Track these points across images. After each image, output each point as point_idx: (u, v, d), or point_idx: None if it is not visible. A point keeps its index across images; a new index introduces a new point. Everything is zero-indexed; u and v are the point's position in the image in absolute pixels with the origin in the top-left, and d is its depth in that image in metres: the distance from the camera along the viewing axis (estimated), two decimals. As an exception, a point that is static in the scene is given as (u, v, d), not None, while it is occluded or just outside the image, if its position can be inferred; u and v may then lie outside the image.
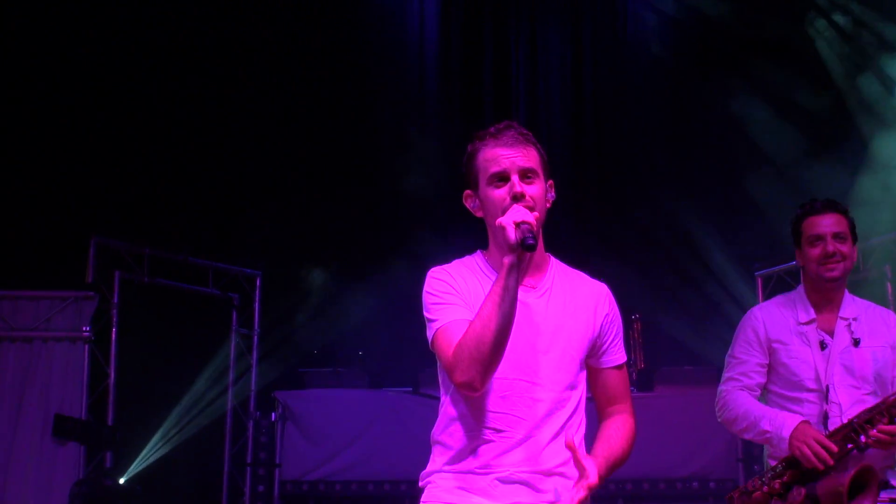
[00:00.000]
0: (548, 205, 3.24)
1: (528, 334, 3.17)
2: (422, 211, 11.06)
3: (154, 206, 10.03)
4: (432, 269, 3.29)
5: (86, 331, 9.07)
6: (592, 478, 3.01)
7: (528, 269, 3.23)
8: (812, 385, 4.50)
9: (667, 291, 10.67)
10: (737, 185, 10.49)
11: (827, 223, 4.52)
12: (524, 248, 2.97)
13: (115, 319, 9.41)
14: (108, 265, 9.46)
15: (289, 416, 9.90)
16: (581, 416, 3.26)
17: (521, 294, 3.11)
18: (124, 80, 9.97)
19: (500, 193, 3.16)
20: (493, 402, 3.15)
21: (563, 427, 3.17)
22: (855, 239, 4.59)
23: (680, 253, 10.71)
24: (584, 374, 3.29)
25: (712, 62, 11.04)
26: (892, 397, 4.27)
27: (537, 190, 3.17)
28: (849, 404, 4.43)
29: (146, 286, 9.79)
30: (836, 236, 4.51)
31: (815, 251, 4.52)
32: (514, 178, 3.15)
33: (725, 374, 4.76)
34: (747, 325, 4.71)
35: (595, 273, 3.43)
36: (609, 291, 3.36)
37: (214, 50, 10.52)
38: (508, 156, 3.17)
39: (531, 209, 3.10)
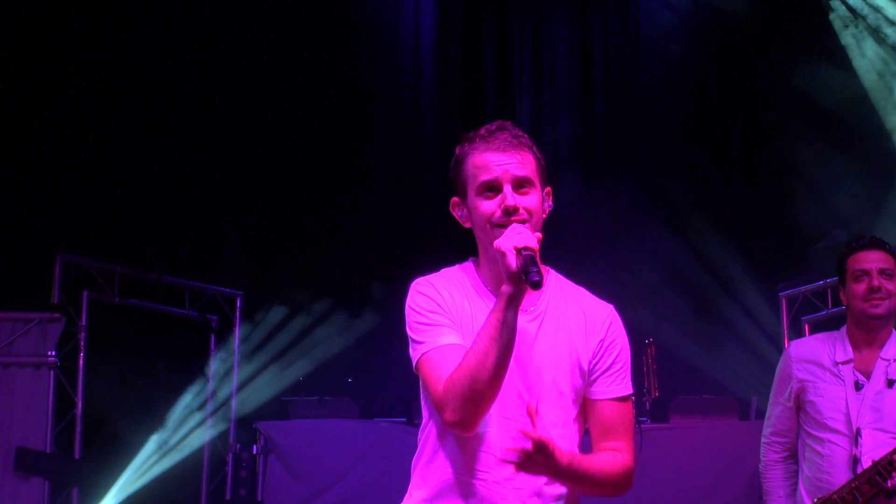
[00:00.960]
0: (544, 215, 3.14)
1: (516, 364, 3.06)
2: (415, 228, 11.02)
3: (126, 221, 9.94)
4: (417, 281, 3.22)
5: (51, 356, 9.00)
6: (546, 441, 2.85)
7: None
8: (838, 426, 4.73)
9: (683, 313, 10.62)
10: (760, 196, 10.45)
11: (873, 258, 4.80)
12: (530, 285, 2.84)
13: (83, 343, 9.34)
14: (75, 284, 9.41)
15: (272, 448, 9.82)
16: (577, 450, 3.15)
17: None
18: (93, 85, 9.90)
19: (491, 206, 3.06)
20: (480, 440, 3.07)
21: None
22: None
23: (697, 271, 10.66)
24: (579, 410, 3.18)
25: (732, 60, 11.03)
26: None
27: (532, 202, 3.07)
28: (871, 447, 4.61)
29: (117, 307, 9.72)
30: (882, 272, 4.76)
31: (861, 287, 4.78)
32: (506, 189, 3.05)
33: (765, 426, 5.11)
34: (780, 362, 5.05)
35: (604, 294, 3.35)
36: (613, 314, 3.24)
37: (191, 55, 10.46)
38: (500, 163, 3.06)
39: (525, 222, 3.01)
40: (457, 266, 3.30)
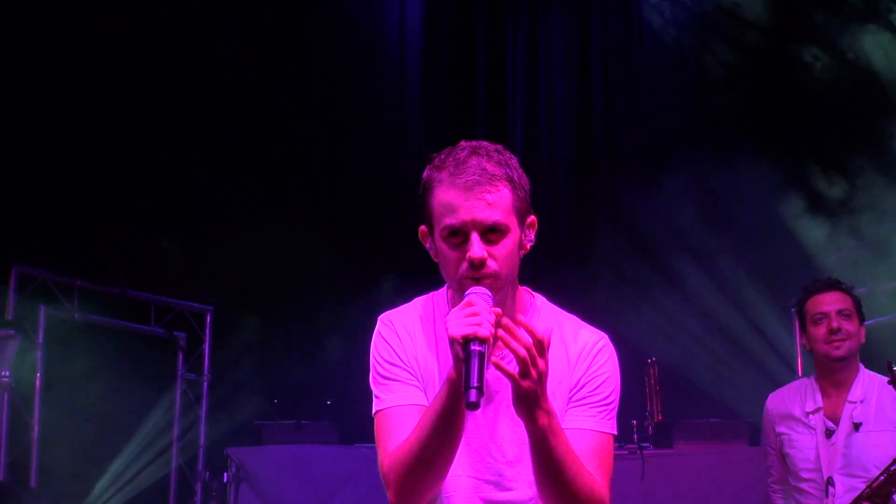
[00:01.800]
0: (524, 251, 2.98)
1: (482, 417, 2.98)
2: (396, 244, 10.98)
3: (86, 230, 9.91)
4: (381, 318, 3.12)
5: (5, 376, 8.90)
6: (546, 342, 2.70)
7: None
8: (810, 475, 5.12)
9: (688, 331, 10.59)
10: (771, 207, 10.43)
11: (830, 300, 5.13)
12: (466, 405, 2.65)
13: (39, 363, 9.31)
14: (31, 298, 9.36)
15: (244, 476, 9.77)
16: None
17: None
18: (52, 91, 9.90)
19: (455, 255, 2.88)
20: (448, 501, 3.01)
21: None
22: (862, 318, 5.16)
23: (703, 287, 10.65)
24: None
25: (741, 59, 11.03)
26: (875, 482, 4.68)
27: (504, 250, 2.88)
28: (843, 492, 4.94)
29: (77, 323, 9.68)
30: (841, 313, 5.08)
31: (820, 330, 5.11)
32: (473, 238, 2.86)
33: (766, 475, 5.49)
34: (763, 421, 5.46)
35: (603, 312, 3.27)
36: (605, 344, 3.07)
37: (158, 60, 10.51)
38: (468, 207, 2.86)
39: (491, 277, 2.85)
40: (429, 295, 3.17)
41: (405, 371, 3.02)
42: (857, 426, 5.03)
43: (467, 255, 2.86)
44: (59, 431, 9.35)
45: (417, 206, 3.03)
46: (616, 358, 3.09)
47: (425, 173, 2.98)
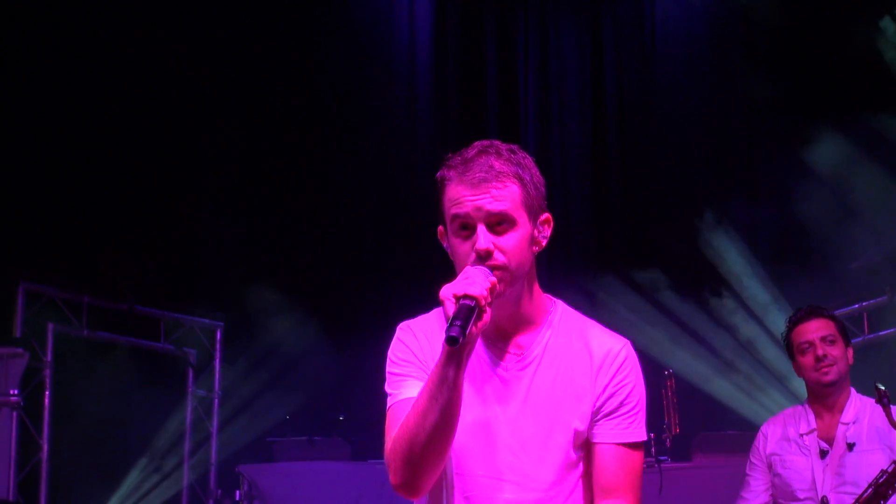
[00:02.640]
0: (536, 248, 2.98)
1: (502, 418, 2.97)
2: (411, 253, 10.98)
3: (94, 247, 9.91)
4: (401, 325, 3.13)
5: (13, 395, 8.94)
6: None
7: (517, 328, 3.02)
8: (805, 495, 5.29)
9: (705, 342, 10.54)
10: (790, 211, 10.38)
11: (813, 328, 5.34)
12: (446, 340, 2.69)
13: (48, 381, 9.31)
14: (39, 316, 9.37)
15: (256, 494, 9.77)
16: None
17: (501, 364, 2.99)
18: (57, 104, 9.92)
19: (465, 248, 2.91)
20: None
21: None
22: (847, 341, 5.37)
23: (720, 296, 10.57)
24: (580, 467, 3.02)
25: (757, 62, 10.99)
26: (864, 494, 4.94)
27: (512, 241, 2.89)
28: None
29: (85, 341, 9.67)
30: (825, 339, 5.29)
31: (808, 359, 5.32)
32: (479, 229, 2.88)
33: (741, 495, 5.68)
34: (755, 441, 5.62)
35: (618, 322, 3.21)
36: (627, 350, 3.06)
37: (163, 71, 10.53)
38: (473, 200, 2.89)
39: (499, 268, 2.87)
40: None
41: (419, 369, 3.02)
42: (850, 446, 5.21)
43: (475, 246, 2.89)
44: (68, 450, 9.37)
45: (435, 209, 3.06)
46: (639, 363, 3.09)
47: (438, 174, 3.01)
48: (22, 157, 9.63)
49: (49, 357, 9.34)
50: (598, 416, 3.00)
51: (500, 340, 3.01)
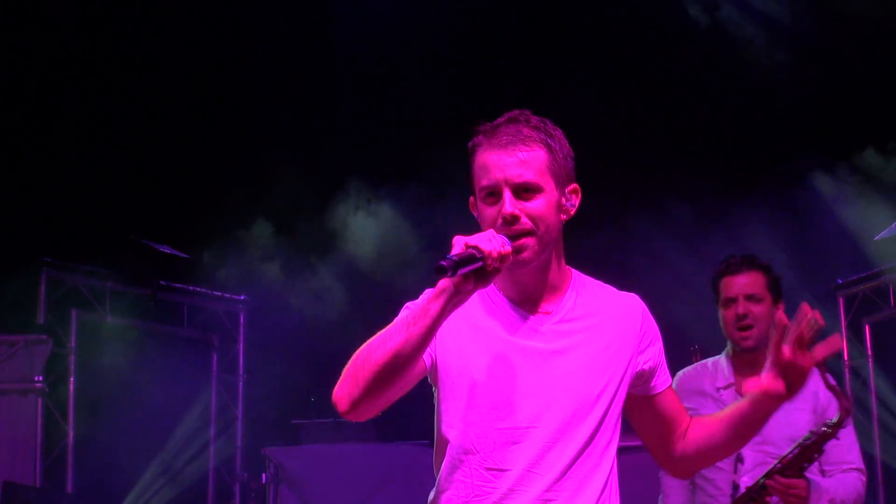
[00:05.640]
0: (564, 217, 3.06)
1: (535, 372, 3.00)
2: (432, 241, 10.94)
3: (115, 231, 9.90)
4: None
5: (38, 381, 9.03)
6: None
7: (542, 294, 3.07)
8: None
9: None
10: (808, 183, 10.37)
11: (739, 283, 4.92)
12: (435, 269, 2.74)
13: (72, 367, 9.40)
14: (62, 302, 9.45)
15: (282, 476, 9.78)
16: (612, 478, 3.06)
17: (532, 322, 3.03)
18: (74, 90, 9.95)
19: (492, 213, 2.97)
20: (495, 457, 2.99)
21: (580, 488, 2.99)
22: (776, 297, 4.93)
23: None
24: (615, 421, 3.08)
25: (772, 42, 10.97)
26: (789, 455, 4.65)
27: (538, 207, 2.95)
28: (752, 466, 4.82)
29: (108, 326, 9.76)
30: (750, 298, 4.89)
31: (729, 314, 4.92)
32: (505, 195, 2.95)
33: None
34: None
35: (644, 299, 3.30)
36: (641, 303, 3.20)
37: (178, 56, 10.53)
38: (499, 165, 2.96)
39: (527, 234, 2.93)
40: None
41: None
42: None
43: (501, 211, 2.94)
44: (93, 436, 9.43)
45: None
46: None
47: (469, 143, 3.08)
48: (47, 144, 9.69)
49: (73, 343, 9.41)
50: (648, 367, 3.15)
51: (527, 303, 3.05)
